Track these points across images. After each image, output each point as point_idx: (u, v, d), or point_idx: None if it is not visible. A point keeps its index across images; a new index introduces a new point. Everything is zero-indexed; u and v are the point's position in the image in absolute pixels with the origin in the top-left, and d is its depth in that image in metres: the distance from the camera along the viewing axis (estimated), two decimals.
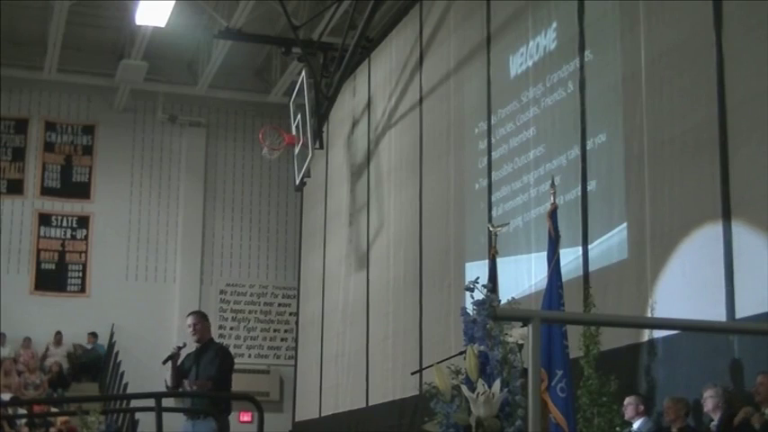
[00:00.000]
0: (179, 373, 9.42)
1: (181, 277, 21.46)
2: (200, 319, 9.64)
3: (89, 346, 20.53)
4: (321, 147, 18.44)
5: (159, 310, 21.01)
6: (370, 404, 16.56)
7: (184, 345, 9.59)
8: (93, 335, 20.45)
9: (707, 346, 9.39)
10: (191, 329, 9.50)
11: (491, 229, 7.88)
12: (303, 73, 17.94)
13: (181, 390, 9.59)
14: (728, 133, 9.56)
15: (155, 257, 21.40)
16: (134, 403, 10.92)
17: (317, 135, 17.92)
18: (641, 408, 9.44)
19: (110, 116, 21.60)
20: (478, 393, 5.94)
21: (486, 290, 6.41)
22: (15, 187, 20.94)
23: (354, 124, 19.16)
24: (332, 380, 18.53)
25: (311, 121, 17.60)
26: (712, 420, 8.54)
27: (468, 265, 13.89)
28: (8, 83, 20.41)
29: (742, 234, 9.31)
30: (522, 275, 12.19)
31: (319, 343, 19.30)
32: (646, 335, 10.11)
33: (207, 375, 9.28)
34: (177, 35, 19.34)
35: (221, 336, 21.40)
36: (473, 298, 6.42)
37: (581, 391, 9.06)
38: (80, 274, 20.99)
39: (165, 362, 9.47)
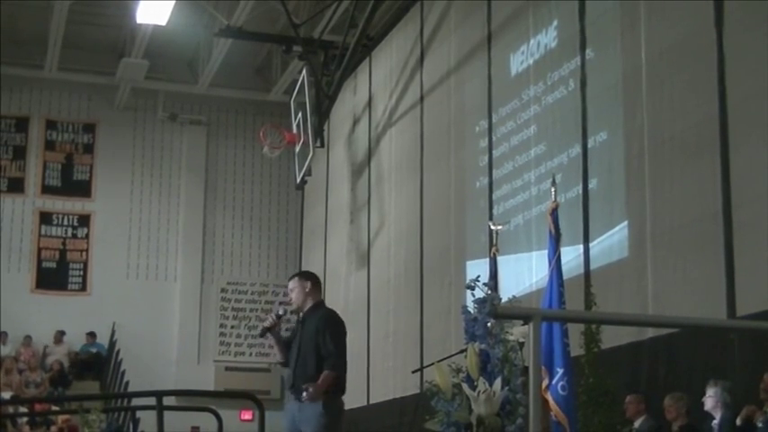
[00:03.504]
0: (283, 346, 7.95)
1: (182, 276, 21.46)
2: (298, 282, 7.99)
3: (93, 350, 20.51)
4: (322, 145, 18.45)
5: (160, 308, 21.01)
6: (370, 402, 16.57)
7: (284, 312, 8.06)
8: (92, 334, 20.44)
9: (708, 344, 9.39)
10: (288, 298, 8.13)
11: (492, 227, 7.88)
12: (304, 71, 17.94)
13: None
14: (729, 131, 9.56)
15: (155, 256, 21.40)
16: (135, 402, 10.95)
17: (318, 133, 17.93)
18: (642, 406, 9.43)
19: (110, 115, 21.60)
20: (479, 392, 5.95)
21: (486, 288, 6.42)
22: (16, 186, 20.94)
23: (355, 123, 19.17)
24: None
25: (312, 120, 17.61)
26: (713, 419, 8.54)
27: (468, 263, 13.90)
28: (9, 81, 20.40)
29: (742, 232, 9.31)
30: (523, 274, 12.20)
31: None
32: (647, 333, 10.11)
33: (310, 353, 7.70)
34: (178, 33, 19.34)
35: (222, 334, 21.41)
36: (474, 296, 6.42)
37: (582, 389, 9.05)
38: (81, 273, 20.99)
39: (261, 335, 8.17)
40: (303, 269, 21.47)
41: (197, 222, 21.72)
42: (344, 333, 7.78)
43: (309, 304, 7.89)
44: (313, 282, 7.95)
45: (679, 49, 10.37)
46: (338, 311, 8.17)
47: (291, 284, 8.01)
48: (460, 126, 14.82)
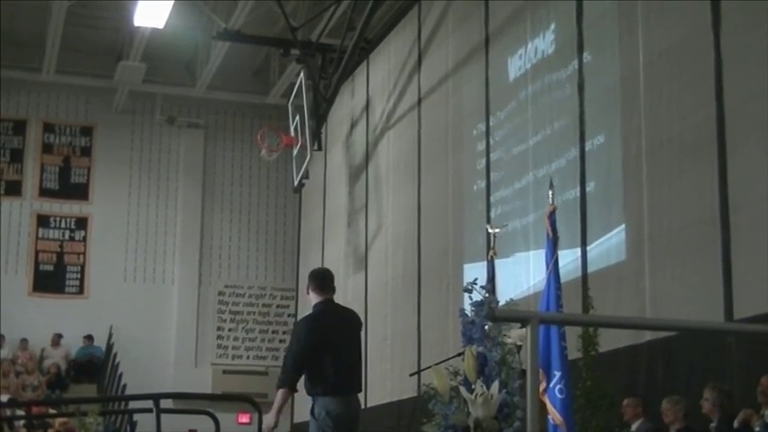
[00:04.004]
0: None
1: (179, 279, 21.44)
2: (308, 284, 7.86)
3: (91, 351, 20.50)
4: (320, 148, 18.45)
5: (157, 311, 21.00)
6: (368, 405, 16.53)
7: None
8: (89, 337, 20.42)
9: (705, 347, 9.38)
10: None
11: (489, 230, 7.87)
12: (301, 74, 17.95)
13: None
14: (727, 134, 9.55)
15: (153, 259, 21.39)
16: (132, 404, 10.94)
17: (316, 136, 17.93)
18: (640, 409, 9.42)
19: (108, 117, 21.59)
20: (477, 394, 5.94)
21: (484, 291, 6.42)
22: (14, 188, 20.93)
23: (353, 125, 19.16)
24: None
25: (310, 123, 17.61)
26: (711, 422, 8.53)
27: (466, 266, 13.89)
28: (7, 84, 20.39)
29: (740, 235, 9.31)
30: (521, 277, 12.19)
31: None
32: (644, 336, 10.10)
33: None
34: (176, 36, 19.34)
35: (219, 337, 21.40)
36: (471, 299, 6.42)
37: (579, 392, 9.05)
38: (78, 276, 20.98)
39: None
40: (300, 272, 21.47)
41: (194, 225, 21.72)
42: (299, 337, 7.63)
43: (313, 305, 7.83)
44: (309, 283, 7.84)
45: (677, 51, 10.36)
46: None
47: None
48: (458, 129, 14.82)
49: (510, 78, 13.50)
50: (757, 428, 7.99)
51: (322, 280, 7.86)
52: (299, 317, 20.99)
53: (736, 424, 8.16)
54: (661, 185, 10.36)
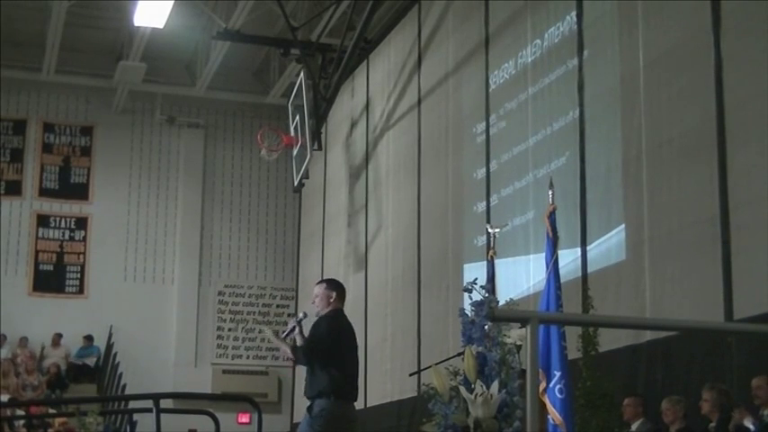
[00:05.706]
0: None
1: (179, 278, 21.44)
2: (324, 290, 7.98)
3: (89, 354, 20.48)
4: (319, 148, 18.45)
5: (157, 311, 20.99)
6: (368, 405, 16.55)
7: (305, 315, 8.10)
8: (89, 337, 20.41)
9: (705, 347, 9.39)
10: (312, 300, 8.11)
11: (489, 230, 7.88)
12: (301, 74, 17.95)
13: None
14: (726, 134, 9.56)
15: (153, 259, 21.38)
16: (132, 404, 10.92)
17: (316, 136, 17.93)
18: (640, 409, 9.43)
19: (108, 117, 21.59)
20: (477, 394, 5.95)
21: (484, 291, 6.43)
22: (14, 188, 20.92)
23: (353, 125, 19.16)
24: None
25: (309, 123, 17.61)
26: (711, 422, 8.54)
27: (466, 266, 13.89)
28: (6, 84, 20.39)
29: (740, 235, 9.31)
30: (521, 277, 12.19)
31: None
32: (644, 336, 10.11)
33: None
34: (176, 36, 19.34)
35: (219, 337, 21.40)
36: (471, 299, 6.43)
37: (579, 392, 9.05)
38: (78, 276, 20.97)
39: (285, 338, 8.28)
40: (300, 272, 21.50)
41: (194, 225, 21.71)
42: (327, 331, 7.73)
43: (326, 311, 7.91)
44: (338, 292, 7.98)
45: (676, 52, 10.37)
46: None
47: (317, 290, 8.05)
48: (458, 129, 14.82)
49: (510, 78, 13.50)
50: (752, 427, 8.00)
51: (344, 291, 8.07)
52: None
53: (731, 426, 8.17)
54: (661, 185, 10.36)
